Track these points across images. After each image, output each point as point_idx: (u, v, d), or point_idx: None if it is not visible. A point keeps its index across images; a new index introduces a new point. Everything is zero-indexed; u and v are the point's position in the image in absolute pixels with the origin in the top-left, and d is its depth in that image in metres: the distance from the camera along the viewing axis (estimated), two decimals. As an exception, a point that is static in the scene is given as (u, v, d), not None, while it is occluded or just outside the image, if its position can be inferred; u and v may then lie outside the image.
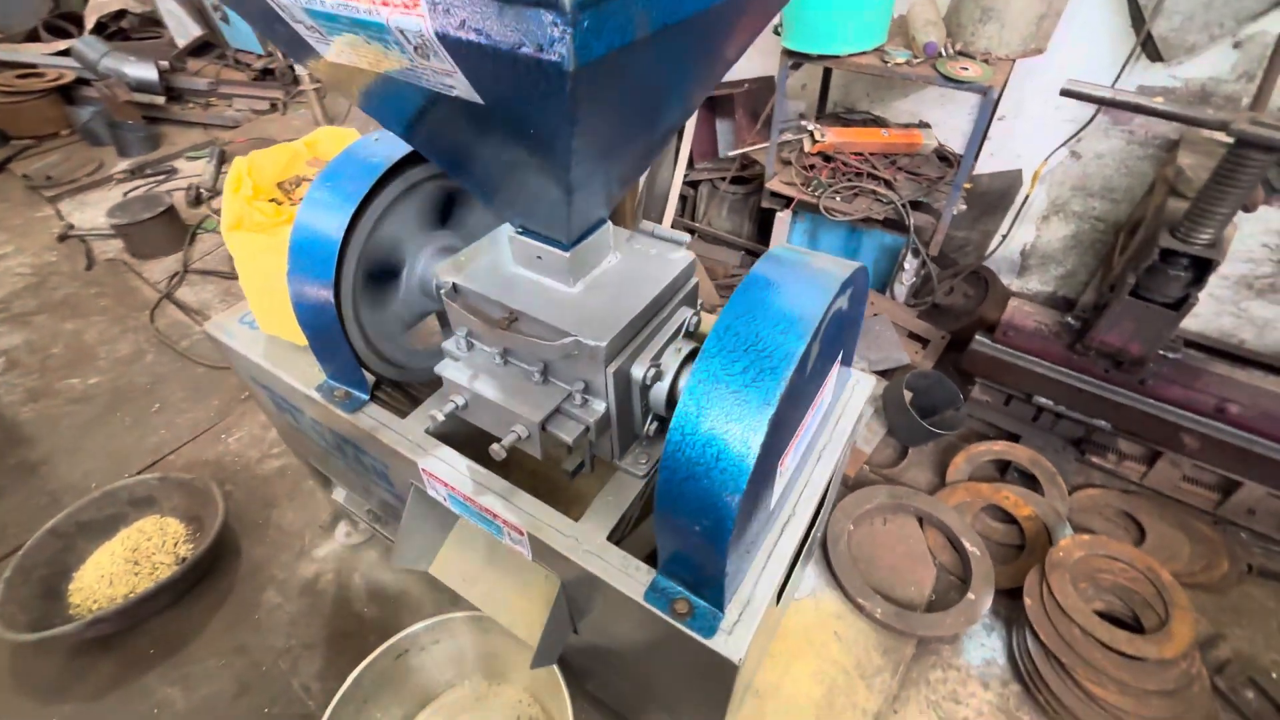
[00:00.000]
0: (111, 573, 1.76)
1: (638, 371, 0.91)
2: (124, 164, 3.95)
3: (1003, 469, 2.08)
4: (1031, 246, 2.53)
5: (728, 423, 0.69)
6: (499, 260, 0.99)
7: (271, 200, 1.18)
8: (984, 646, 1.68)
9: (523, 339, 0.89)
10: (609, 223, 0.95)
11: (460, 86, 0.56)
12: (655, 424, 1.03)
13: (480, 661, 1.50)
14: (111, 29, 5.07)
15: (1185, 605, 1.56)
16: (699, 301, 1.04)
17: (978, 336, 2.04)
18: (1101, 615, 1.59)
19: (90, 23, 5.02)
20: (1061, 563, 1.66)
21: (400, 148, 1.03)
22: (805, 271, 0.78)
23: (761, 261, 0.81)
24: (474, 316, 0.92)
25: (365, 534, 1.92)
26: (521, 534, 0.97)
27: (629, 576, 0.89)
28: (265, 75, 4.82)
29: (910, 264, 2.33)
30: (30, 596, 1.68)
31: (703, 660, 0.85)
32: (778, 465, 0.81)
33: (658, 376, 0.93)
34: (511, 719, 1.48)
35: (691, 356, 0.97)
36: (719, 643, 0.82)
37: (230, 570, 1.86)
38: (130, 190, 3.69)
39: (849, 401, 1.13)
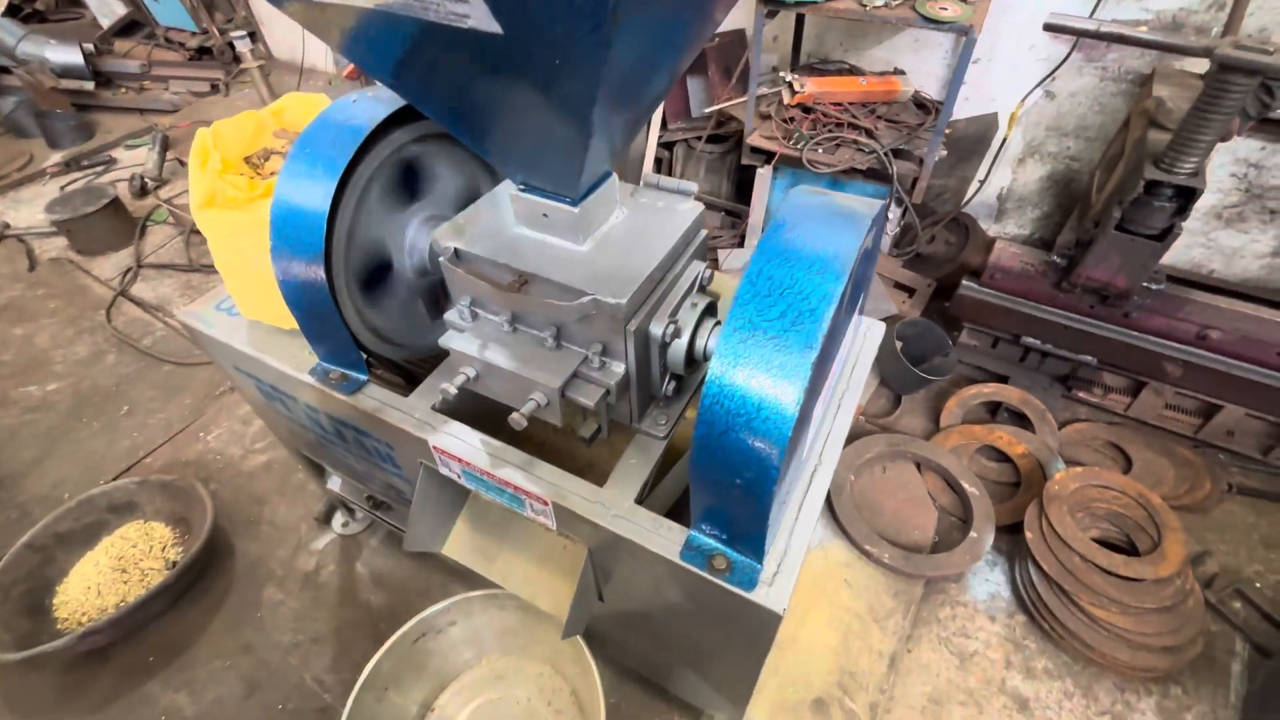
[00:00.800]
0: (98, 583, 1.68)
1: (656, 329, 0.88)
2: (57, 156, 3.69)
3: (993, 410, 2.12)
4: (1008, 190, 2.55)
5: (768, 370, 0.67)
6: (500, 222, 0.94)
7: (242, 175, 1.10)
8: (988, 582, 1.73)
9: (537, 300, 0.85)
10: (614, 175, 0.91)
11: (475, 14, 0.50)
12: (673, 383, 1.00)
13: (498, 639, 1.49)
14: (26, 10, 4.69)
15: (1176, 526, 1.63)
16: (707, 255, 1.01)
17: (965, 281, 2.05)
18: (1098, 542, 1.64)
19: (0, 5, 4.63)
20: (1058, 495, 1.70)
21: (382, 109, 0.96)
22: (832, 211, 0.76)
23: (786, 204, 0.78)
24: (481, 281, 0.87)
25: (364, 522, 1.87)
26: (546, 504, 0.94)
27: (662, 537, 0.87)
28: (202, 54, 4.54)
29: (893, 213, 2.32)
30: (12, 614, 1.60)
31: (743, 614, 0.85)
32: (812, 412, 0.79)
33: (676, 334, 0.90)
34: (534, 692, 1.47)
35: (708, 311, 0.95)
36: (760, 595, 0.81)
37: (225, 570, 1.80)
38: (68, 184, 3.45)
39: (863, 348, 1.12)
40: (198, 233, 3.01)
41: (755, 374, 0.67)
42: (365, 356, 1.08)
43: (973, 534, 1.75)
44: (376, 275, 1.07)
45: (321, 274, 0.94)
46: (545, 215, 0.88)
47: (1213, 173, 2.08)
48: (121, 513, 1.84)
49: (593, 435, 1.02)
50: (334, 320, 1.00)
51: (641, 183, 1.00)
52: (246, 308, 1.19)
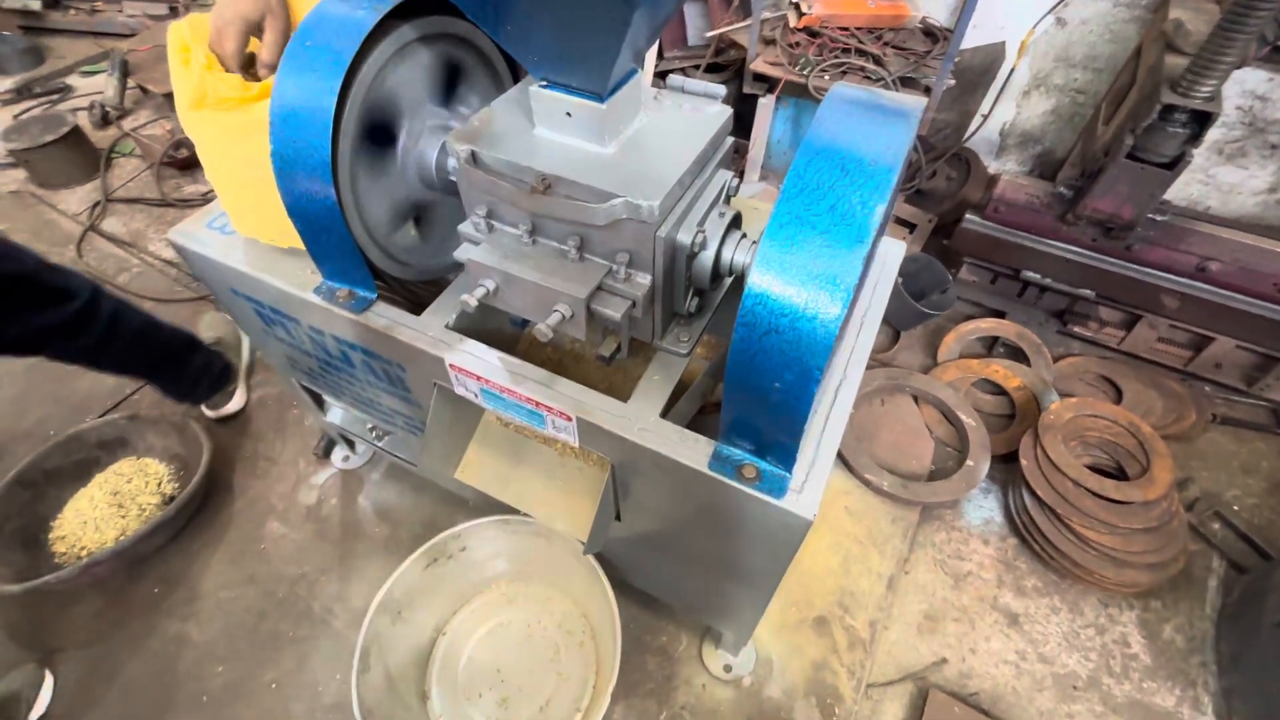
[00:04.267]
0: (95, 517, 1.66)
1: (684, 238, 0.85)
2: (6, 82, 3.44)
3: (990, 345, 2.15)
4: (1011, 125, 2.50)
5: (816, 267, 0.65)
6: (518, 124, 0.89)
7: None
8: (981, 508, 1.78)
9: (563, 202, 0.81)
10: (640, 72, 0.86)
11: None
12: (695, 300, 0.98)
13: (508, 563, 1.50)
14: (-44, -80, 4.27)
15: (1164, 453, 1.68)
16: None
17: (968, 215, 2.04)
18: (1090, 468, 1.69)
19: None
20: (1053, 425, 1.74)
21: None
22: (880, 104, 0.72)
23: (828, 101, 0.74)
24: (503, 183, 0.83)
25: (364, 456, 1.85)
26: (569, 419, 0.93)
27: (689, 449, 0.87)
28: (157, -28, 4.20)
29: (897, 147, 2.27)
30: (6, 548, 1.57)
31: (771, 523, 0.85)
32: (851, 316, 0.78)
33: (703, 244, 0.88)
34: (545, 614, 1.50)
35: (734, 223, 0.92)
36: (790, 502, 0.81)
37: (224, 505, 1.78)
38: (22, 112, 3.23)
39: (883, 268, 1.11)
40: (168, 164, 2.86)
41: (802, 272, 0.65)
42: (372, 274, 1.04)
43: (969, 462, 1.79)
44: (382, 175, 1.01)
45: (329, 180, 0.89)
46: (569, 114, 0.84)
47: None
48: (113, 449, 1.80)
49: (613, 354, 1.01)
50: (340, 231, 0.95)
51: (665, 85, 0.95)
52: (242, 223, 1.12)
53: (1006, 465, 1.83)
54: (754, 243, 0.89)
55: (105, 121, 3.16)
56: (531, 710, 1.39)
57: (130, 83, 3.31)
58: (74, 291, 1.44)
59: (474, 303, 0.88)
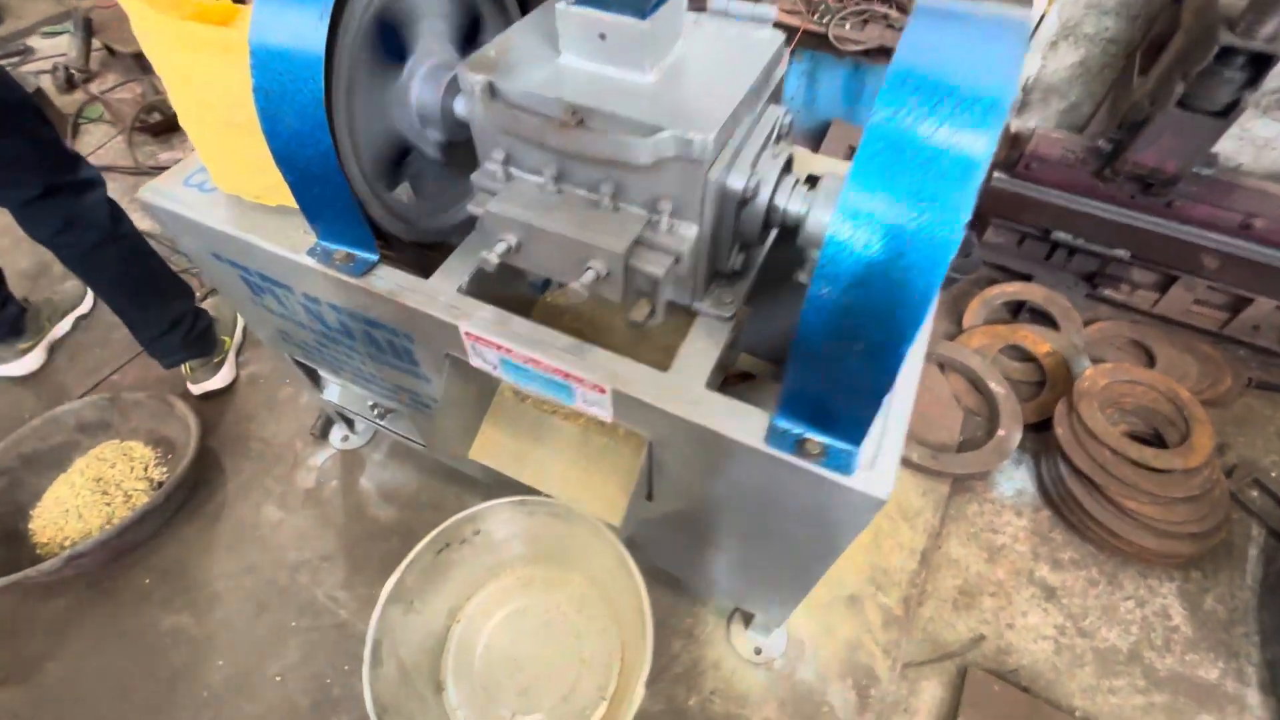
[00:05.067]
0: (77, 505, 1.55)
1: (735, 182, 0.75)
2: (-38, 44, 3.21)
3: (1016, 310, 2.06)
4: (1035, 79, 2.38)
5: (912, 208, 0.55)
6: (541, 51, 0.77)
7: None
8: (1013, 479, 1.71)
9: (598, 139, 0.69)
10: (681, -10, 0.74)
11: None
12: (741, 256, 0.88)
13: (524, 546, 1.41)
14: None
15: (1204, 418, 1.61)
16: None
17: (997, 174, 1.93)
18: (1127, 436, 1.62)
19: None
20: (1088, 391, 1.67)
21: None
22: (984, 13, 0.61)
23: (919, 12, 0.62)
24: (528, 117, 0.71)
25: (365, 435, 1.75)
26: (603, 392, 0.83)
27: (742, 423, 0.77)
28: (119, -74, 3.93)
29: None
30: (-16, 541, 1.47)
31: (835, 504, 0.76)
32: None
33: (756, 190, 0.77)
34: (563, 599, 1.42)
35: (788, 167, 0.81)
36: (860, 480, 0.72)
37: (217, 490, 1.68)
38: (-21, 75, 3.02)
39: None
40: (141, 130, 2.68)
41: (902, 201, 0.55)
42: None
43: (1000, 432, 1.71)
44: (378, 116, 0.89)
45: (322, 121, 0.77)
46: (602, 36, 0.72)
47: (1260, 53, 1.95)
48: (93, 432, 1.68)
49: (646, 317, 0.90)
50: (337, 182, 0.83)
51: (707, 9, 0.83)
52: (224, 178, 1.00)
53: (1038, 434, 1.75)
54: (810, 188, 0.79)
55: (70, 85, 2.97)
56: (554, 699, 1.31)
57: (95, 43, 3.10)
58: (92, 177, 1.54)
59: (495, 260, 0.77)
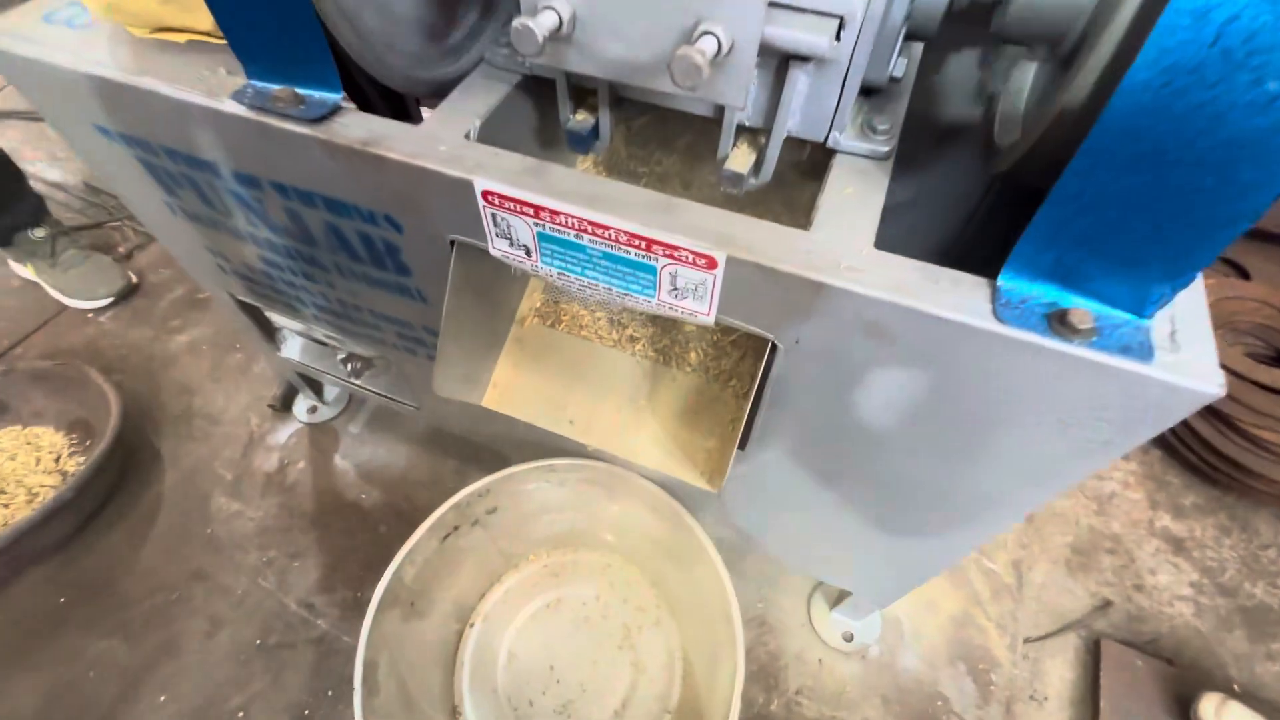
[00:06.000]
0: (-37, 509, 1.20)
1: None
2: None
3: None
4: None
5: None
6: None
7: None
8: (1111, 416, 1.46)
9: None
10: None
11: None
12: (902, 60, 0.58)
13: (552, 525, 1.12)
14: None
15: (1330, 334, 1.38)
16: None
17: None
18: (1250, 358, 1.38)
19: None
20: (1196, 310, 1.42)
21: None
22: None
23: None
24: None
25: (338, 404, 1.42)
26: (712, 266, 0.53)
27: (948, 290, 0.48)
28: None
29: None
30: None
31: (1112, 408, 0.48)
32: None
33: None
34: (603, 588, 1.13)
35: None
36: (1168, 367, 0.44)
37: (151, 481, 1.34)
38: None
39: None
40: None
41: None
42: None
43: (1095, 363, 1.46)
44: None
45: None
46: None
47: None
48: (-15, 416, 1.33)
49: (751, 169, 0.61)
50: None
51: None
52: (105, 1, 0.67)
53: (1133, 365, 1.51)
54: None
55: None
56: (604, 715, 1.03)
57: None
58: None
59: (540, 36, 0.46)
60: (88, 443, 1.35)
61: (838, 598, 1.16)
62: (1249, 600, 1.22)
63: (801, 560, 1.00)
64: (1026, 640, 1.16)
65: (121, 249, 1.73)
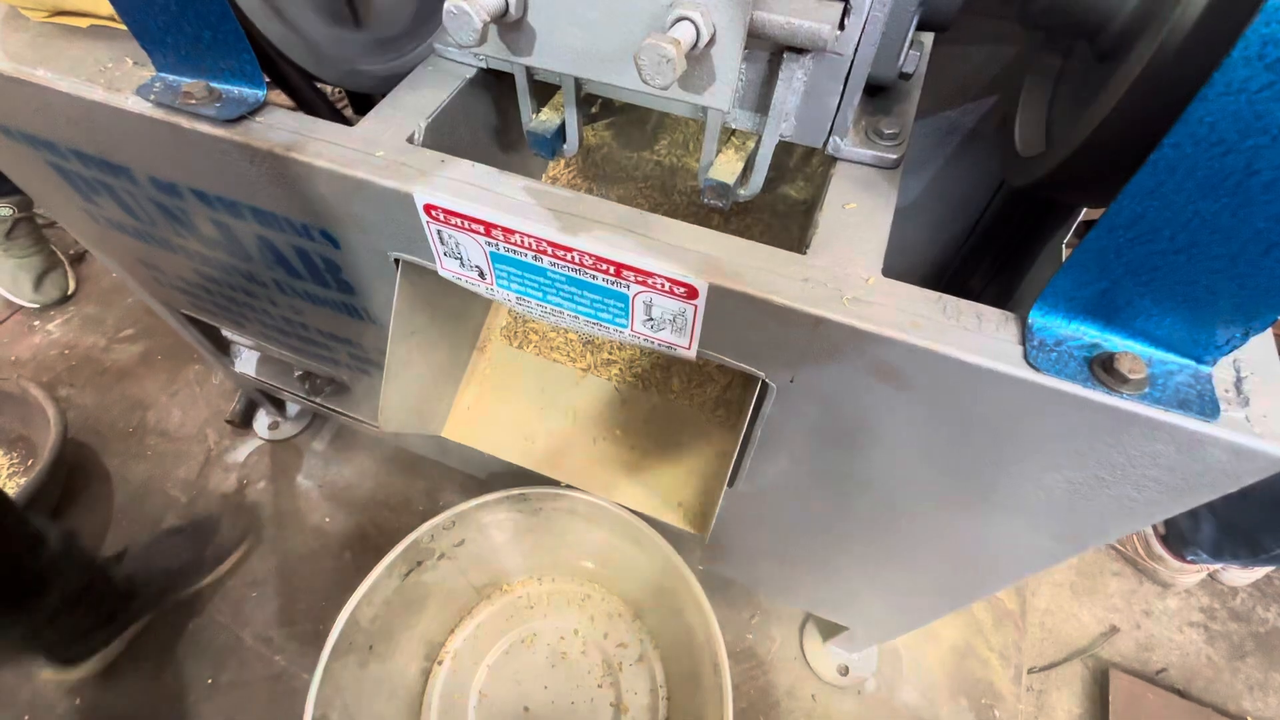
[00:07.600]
0: (-115, 538, 1.10)
1: None
2: None
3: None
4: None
5: None
6: None
7: None
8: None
9: None
10: None
11: None
12: (914, 55, 0.50)
13: (526, 556, 1.04)
14: None
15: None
16: None
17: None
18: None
19: None
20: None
21: None
22: None
23: None
24: None
25: (300, 420, 1.34)
26: (694, 294, 0.45)
27: (970, 329, 0.41)
28: None
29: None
30: None
31: (1168, 466, 0.41)
32: None
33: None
34: (581, 622, 1.05)
35: None
36: (1233, 425, 0.37)
37: (97, 500, 1.25)
38: None
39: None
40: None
41: None
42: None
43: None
44: None
45: None
46: None
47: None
48: (-86, 435, 1.23)
49: (739, 178, 0.53)
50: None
51: None
52: (-22, -32, 0.58)
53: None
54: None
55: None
56: (581, 763, 0.95)
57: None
58: None
59: (479, 20, 0.38)
60: (30, 462, 1.26)
61: (833, 628, 1.09)
62: (1262, 625, 1.16)
63: (793, 598, 0.92)
64: (1031, 670, 1.10)
65: (73, 250, 1.62)
